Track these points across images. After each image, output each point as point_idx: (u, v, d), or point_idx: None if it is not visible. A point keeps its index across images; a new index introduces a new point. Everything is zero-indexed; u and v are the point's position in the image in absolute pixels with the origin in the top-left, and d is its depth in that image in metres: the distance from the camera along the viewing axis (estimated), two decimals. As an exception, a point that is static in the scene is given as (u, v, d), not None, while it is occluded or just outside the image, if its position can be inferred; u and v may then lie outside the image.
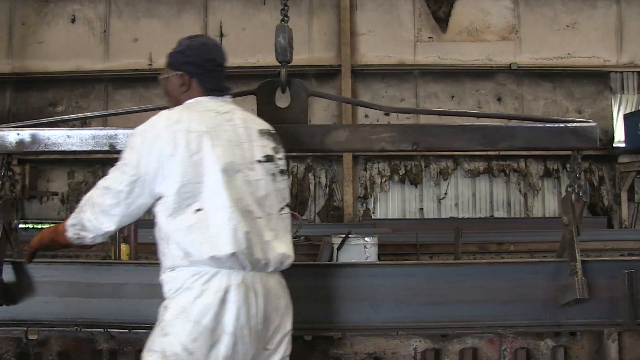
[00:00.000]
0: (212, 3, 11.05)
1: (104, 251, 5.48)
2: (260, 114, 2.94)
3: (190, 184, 2.09)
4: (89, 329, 2.77)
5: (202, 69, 2.31)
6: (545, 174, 10.94)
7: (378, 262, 4.96)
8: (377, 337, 2.82)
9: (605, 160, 10.95)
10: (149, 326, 2.20)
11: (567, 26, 10.97)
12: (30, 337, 2.78)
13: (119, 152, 2.34)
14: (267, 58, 9.23)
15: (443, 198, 11.01)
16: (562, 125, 2.97)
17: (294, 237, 5.38)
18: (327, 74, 10.95)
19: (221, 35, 10.94)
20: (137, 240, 5.18)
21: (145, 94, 10.86)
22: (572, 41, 10.93)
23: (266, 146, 2.30)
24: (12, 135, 2.85)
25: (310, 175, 10.94)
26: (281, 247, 2.22)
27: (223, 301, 2.06)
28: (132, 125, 2.33)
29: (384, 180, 10.97)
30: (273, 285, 2.21)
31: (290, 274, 2.30)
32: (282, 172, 2.33)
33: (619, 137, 10.91)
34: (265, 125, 2.40)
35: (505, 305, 2.83)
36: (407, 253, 6.19)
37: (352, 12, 10.93)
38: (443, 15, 10.86)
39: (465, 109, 10.65)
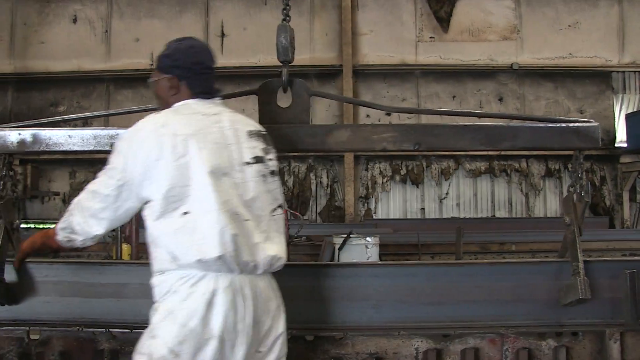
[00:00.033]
0: (213, 3, 11.05)
1: (105, 251, 5.48)
2: (262, 114, 2.95)
3: (177, 188, 2.08)
4: (91, 329, 2.77)
5: (190, 72, 2.30)
6: (546, 173, 10.94)
7: (379, 262, 4.94)
8: (379, 337, 2.82)
9: (607, 160, 10.94)
10: (150, 326, 2.20)
11: (569, 26, 10.97)
12: (32, 337, 2.78)
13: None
14: (269, 58, 9.24)
15: (444, 198, 11.01)
16: (564, 125, 2.96)
17: (295, 237, 5.45)
18: (329, 73, 10.95)
19: (222, 35, 10.95)
20: (139, 240, 5.18)
21: (146, 94, 10.84)
22: (574, 41, 10.93)
23: (255, 147, 2.28)
24: (14, 135, 2.85)
25: (312, 175, 10.94)
26: (272, 249, 2.20)
27: (210, 304, 2.05)
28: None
29: (385, 180, 10.97)
30: (263, 287, 2.19)
31: (291, 274, 2.30)
32: (272, 172, 2.30)
33: (621, 137, 10.92)
34: (255, 127, 2.37)
35: (507, 305, 2.82)
36: (408, 253, 6.17)
37: (354, 12, 10.93)
38: (445, 15, 10.85)
39: (467, 109, 10.65)
